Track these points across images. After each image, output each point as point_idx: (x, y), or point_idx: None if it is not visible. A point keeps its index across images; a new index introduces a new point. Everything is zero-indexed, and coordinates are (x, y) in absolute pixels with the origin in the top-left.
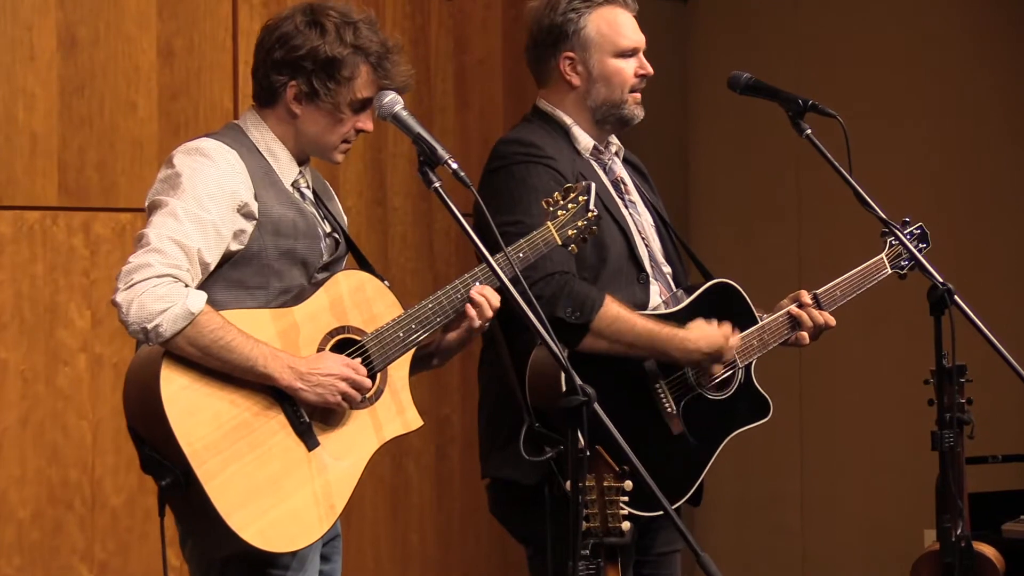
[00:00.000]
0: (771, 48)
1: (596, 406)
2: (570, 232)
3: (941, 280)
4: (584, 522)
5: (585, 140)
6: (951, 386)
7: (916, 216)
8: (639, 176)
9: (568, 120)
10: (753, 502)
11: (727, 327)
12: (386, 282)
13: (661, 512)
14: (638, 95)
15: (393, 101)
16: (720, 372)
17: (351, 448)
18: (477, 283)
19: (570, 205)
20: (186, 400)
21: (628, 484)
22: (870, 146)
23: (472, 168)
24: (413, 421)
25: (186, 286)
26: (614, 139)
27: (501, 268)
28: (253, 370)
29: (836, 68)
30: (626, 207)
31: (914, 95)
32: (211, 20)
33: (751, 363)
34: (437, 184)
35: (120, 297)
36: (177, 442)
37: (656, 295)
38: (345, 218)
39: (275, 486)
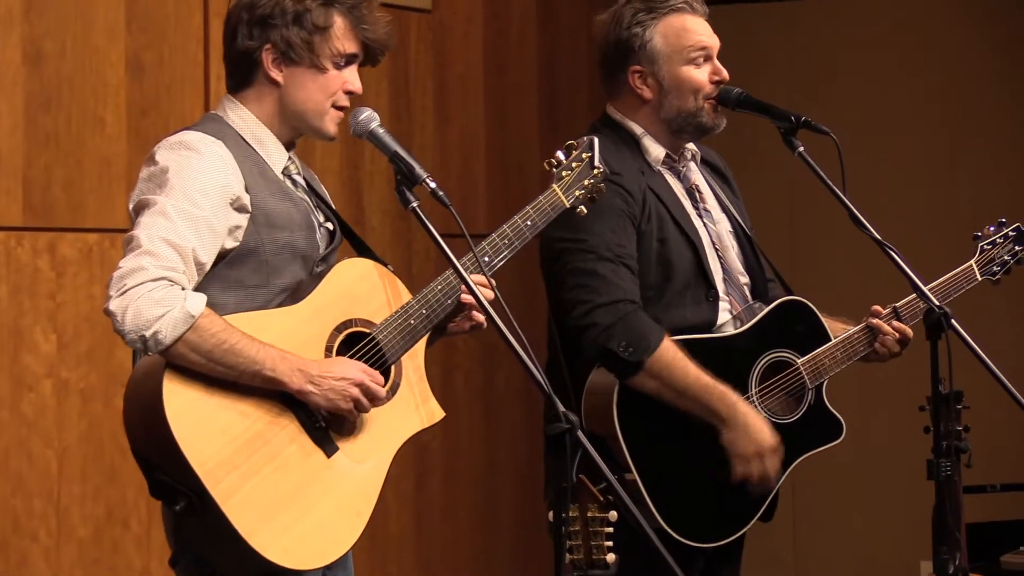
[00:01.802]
0: (764, 63)
1: (579, 434)
2: (577, 192)
3: (937, 304)
4: (568, 554)
5: (656, 150)
6: (948, 413)
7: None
8: (718, 178)
9: (639, 130)
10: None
11: (782, 450)
12: (389, 267)
13: (705, 544)
14: (714, 102)
15: (369, 118)
16: (740, 475)
17: (372, 449)
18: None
19: (574, 164)
20: (193, 416)
21: (613, 515)
22: (865, 164)
23: (452, 186)
24: (435, 413)
25: (183, 289)
26: (690, 143)
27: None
28: (260, 374)
29: (830, 84)
30: (700, 216)
31: (910, 112)
32: (182, 33)
33: (823, 383)
34: (415, 204)
35: (113, 305)
36: (188, 463)
37: (725, 312)
38: (333, 205)
39: (296, 498)
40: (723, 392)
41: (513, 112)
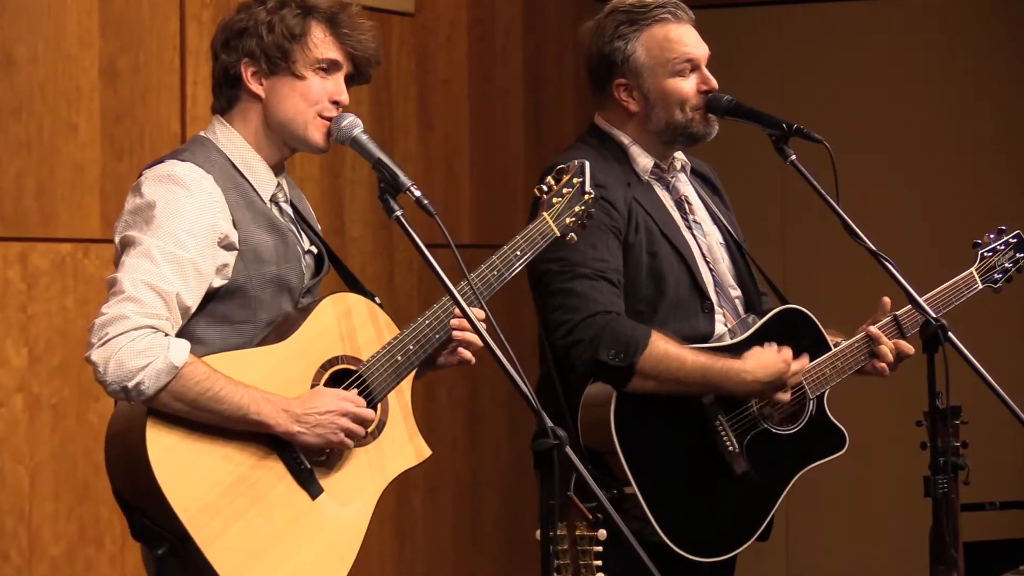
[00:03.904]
0: (754, 71)
1: (568, 450)
2: (568, 220)
3: (934, 316)
4: (555, 573)
5: (644, 161)
6: (945, 428)
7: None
8: (709, 189)
9: (626, 140)
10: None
11: (787, 351)
12: (376, 299)
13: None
14: (704, 111)
15: (352, 124)
16: (788, 400)
17: (357, 491)
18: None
19: (565, 190)
20: (176, 461)
21: (602, 533)
22: (859, 172)
23: (436, 195)
24: (421, 451)
25: (166, 335)
26: (679, 153)
27: (482, 290)
28: (245, 419)
29: (821, 91)
30: (690, 228)
31: (902, 119)
32: (157, 38)
33: (824, 393)
34: (399, 213)
35: (95, 355)
36: (171, 508)
37: (721, 324)
38: (319, 225)
39: (280, 542)
40: (723, 368)
41: (498, 118)
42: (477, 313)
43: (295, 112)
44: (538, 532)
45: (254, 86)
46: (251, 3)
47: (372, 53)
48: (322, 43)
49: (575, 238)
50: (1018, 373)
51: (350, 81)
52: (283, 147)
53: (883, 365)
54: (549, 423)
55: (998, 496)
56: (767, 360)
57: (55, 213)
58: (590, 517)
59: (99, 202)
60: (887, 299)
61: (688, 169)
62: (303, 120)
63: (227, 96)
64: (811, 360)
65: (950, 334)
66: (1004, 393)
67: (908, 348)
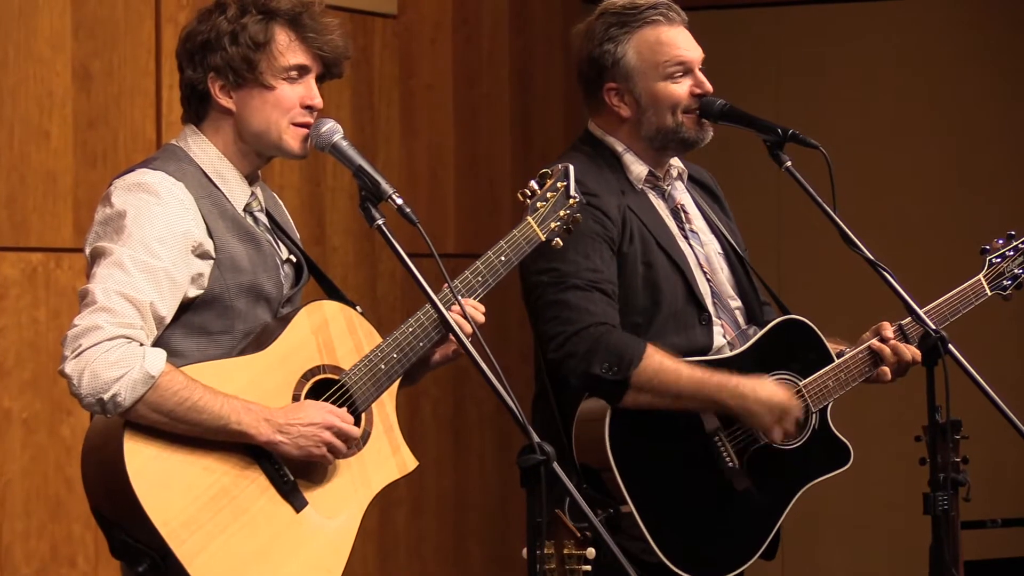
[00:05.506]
0: (752, 72)
1: (555, 466)
2: (553, 225)
3: (934, 327)
4: None
5: (638, 169)
6: (945, 443)
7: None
8: (709, 197)
9: (620, 147)
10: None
11: (794, 397)
12: (358, 308)
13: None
14: (696, 115)
15: (332, 130)
16: (780, 439)
17: (342, 503)
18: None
19: (549, 194)
20: (156, 473)
21: (590, 552)
22: (856, 179)
23: (419, 203)
24: (407, 463)
25: (141, 345)
26: (676, 160)
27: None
28: (226, 428)
29: (820, 93)
30: (686, 238)
31: (904, 123)
32: (132, 41)
33: (827, 406)
34: (380, 221)
35: (69, 367)
36: (151, 522)
37: (720, 335)
38: (298, 234)
39: (264, 557)
40: (719, 383)
41: (484, 124)
42: (476, 310)
43: (268, 123)
44: (524, 550)
45: (223, 100)
46: (211, 10)
47: (341, 51)
48: (288, 49)
49: (560, 243)
50: (1020, 386)
51: (322, 79)
52: (257, 157)
53: (886, 370)
54: (536, 438)
55: (1000, 513)
56: (771, 385)
57: (26, 222)
58: (578, 535)
59: (71, 210)
60: (888, 330)
61: (685, 177)
62: (277, 130)
63: (197, 110)
64: (814, 371)
65: (950, 346)
66: (1006, 407)
67: (916, 353)
